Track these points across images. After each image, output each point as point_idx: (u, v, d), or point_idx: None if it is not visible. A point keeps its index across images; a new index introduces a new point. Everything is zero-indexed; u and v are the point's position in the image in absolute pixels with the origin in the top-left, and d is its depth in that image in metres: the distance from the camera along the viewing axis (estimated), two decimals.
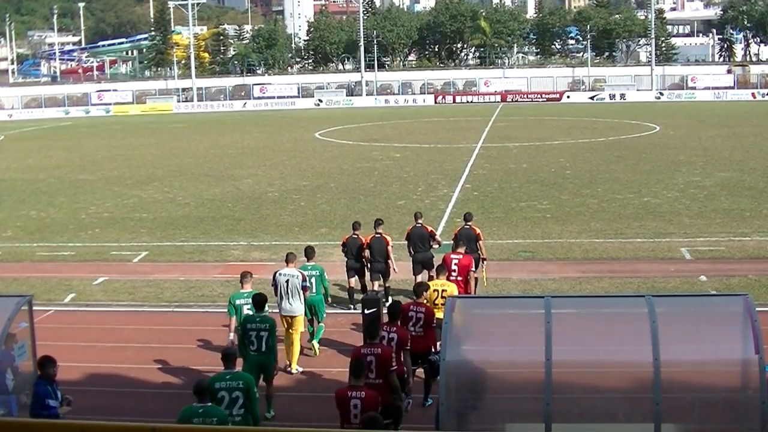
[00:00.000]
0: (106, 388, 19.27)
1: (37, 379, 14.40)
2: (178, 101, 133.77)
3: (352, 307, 24.47)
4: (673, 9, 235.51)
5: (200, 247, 33.33)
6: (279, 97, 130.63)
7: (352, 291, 24.98)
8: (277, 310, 20.01)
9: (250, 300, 17.92)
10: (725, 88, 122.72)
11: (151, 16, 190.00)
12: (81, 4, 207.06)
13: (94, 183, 51.52)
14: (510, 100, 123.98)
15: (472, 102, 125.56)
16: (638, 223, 35.06)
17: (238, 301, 18.69)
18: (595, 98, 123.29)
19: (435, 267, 21.16)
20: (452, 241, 24.24)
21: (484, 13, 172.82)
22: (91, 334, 23.36)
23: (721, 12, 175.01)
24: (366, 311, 20.04)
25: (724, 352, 13.76)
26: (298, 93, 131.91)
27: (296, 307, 20.08)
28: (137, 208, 42.38)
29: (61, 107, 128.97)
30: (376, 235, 24.96)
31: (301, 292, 20.16)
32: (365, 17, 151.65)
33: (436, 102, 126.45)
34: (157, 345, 22.10)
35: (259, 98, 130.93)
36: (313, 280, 20.96)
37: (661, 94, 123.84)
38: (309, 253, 21.80)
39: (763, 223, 34.45)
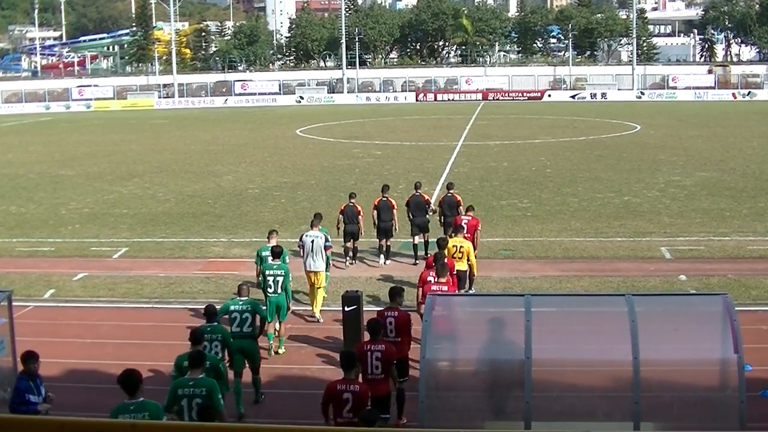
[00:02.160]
0: (86, 384, 19.22)
1: (19, 374, 14.36)
2: (159, 97, 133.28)
3: (347, 262, 29.00)
4: (655, 9, 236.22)
5: (180, 243, 33.27)
6: (260, 94, 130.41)
7: (347, 250, 29.09)
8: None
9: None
10: (706, 88, 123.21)
11: (133, 11, 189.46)
12: None
13: (74, 179, 51.36)
14: (491, 98, 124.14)
15: (453, 100, 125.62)
16: (618, 222, 35.16)
17: (264, 253, 22.19)
18: (576, 97, 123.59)
19: (452, 228, 25.02)
20: (438, 207, 29.74)
21: (466, 11, 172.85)
22: (70, 329, 23.30)
23: (703, 12, 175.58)
24: (346, 308, 20.12)
25: (703, 351, 13.81)
26: (280, 90, 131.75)
27: (318, 263, 23.53)
28: (117, 204, 42.27)
29: (41, 102, 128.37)
30: (383, 199, 29.42)
31: (324, 251, 23.69)
32: (347, 14, 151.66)
33: (417, 100, 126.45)
34: (137, 341, 22.04)
35: (240, 95, 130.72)
36: None
37: (642, 93, 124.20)
38: (317, 219, 25.14)
39: (743, 222, 34.61)
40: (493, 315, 15.12)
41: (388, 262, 29.36)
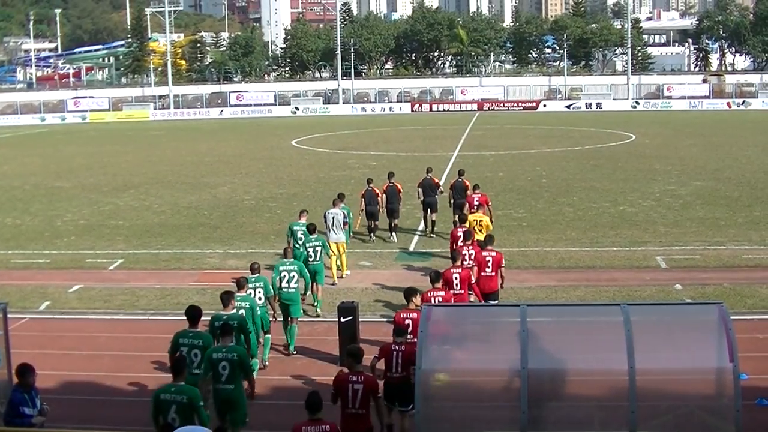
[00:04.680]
0: (81, 397, 19.18)
1: (14, 386, 14.30)
2: (155, 108, 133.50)
3: (370, 238, 34.56)
4: (650, 18, 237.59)
5: (176, 254, 33.24)
6: (256, 105, 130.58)
7: (369, 228, 34.65)
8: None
9: (304, 228, 26.46)
10: (701, 97, 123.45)
11: (128, 23, 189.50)
12: (57, 11, 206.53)
13: (69, 190, 51.35)
14: (486, 108, 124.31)
15: (448, 110, 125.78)
16: (614, 231, 35.17)
17: (295, 228, 27.24)
18: (571, 107, 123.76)
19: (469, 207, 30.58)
20: (450, 190, 34.73)
21: (461, 22, 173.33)
22: (65, 342, 23.25)
23: (697, 22, 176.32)
24: (342, 319, 20.18)
25: (699, 360, 13.80)
26: (275, 101, 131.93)
27: (340, 236, 28.76)
28: (113, 215, 42.25)
29: (37, 114, 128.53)
30: (390, 184, 35.03)
31: (342, 225, 28.83)
32: (342, 25, 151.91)
33: (412, 110, 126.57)
34: (133, 353, 22.00)
35: (235, 106, 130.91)
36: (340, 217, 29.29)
37: (637, 103, 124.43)
38: (339, 198, 30.39)
39: (738, 231, 34.62)
40: (489, 325, 15.12)
41: (395, 237, 34.50)
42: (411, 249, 33.22)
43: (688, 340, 14.03)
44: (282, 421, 17.83)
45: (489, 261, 22.22)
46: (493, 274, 22.25)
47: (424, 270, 29.08)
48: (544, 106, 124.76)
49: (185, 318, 16.60)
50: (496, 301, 22.03)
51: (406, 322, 17.08)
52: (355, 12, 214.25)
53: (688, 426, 13.61)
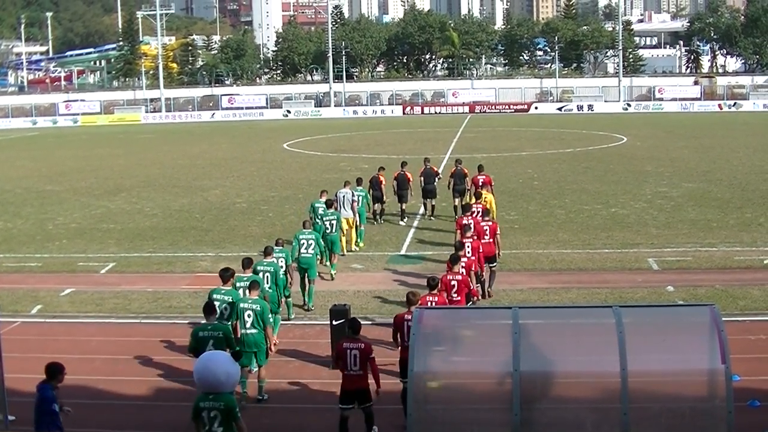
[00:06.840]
0: (73, 400, 18.99)
1: (43, 383, 14.17)
2: (146, 112, 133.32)
3: (375, 221, 38.24)
4: (641, 21, 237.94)
5: (168, 258, 33.20)
6: (247, 108, 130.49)
7: (375, 213, 38.44)
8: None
9: (324, 205, 30.54)
10: (692, 99, 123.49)
11: (120, 26, 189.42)
12: (49, 14, 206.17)
13: (61, 194, 51.28)
14: (478, 111, 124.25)
15: (440, 113, 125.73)
16: (606, 233, 35.19)
17: (316, 205, 31.39)
18: (562, 109, 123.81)
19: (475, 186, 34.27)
20: (450, 178, 38.58)
21: (452, 24, 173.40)
22: (57, 345, 23.16)
23: (688, 24, 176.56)
24: (334, 322, 20.16)
25: (690, 362, 13.80)
26: (267, 104, 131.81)
27: (348, 212, 32.93)
28: (105, 218, 42.19)
29: (28, 117, 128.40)
30: (401, 172, 38.78)
31: (350, 204, 33.21)
32: (334, 28, 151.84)
33: (404, 113, 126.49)
34: (125, 356, 21.96)
35: (227, 109, 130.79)
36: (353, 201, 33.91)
37: (629, 105, 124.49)
38: (351, 183, 35.08)
39: (730, 233, 34.65)
40: (481, 327, 15.12)
41: (404, 221, 38.49)
42: (403, 252, 33.24)
43: (680, 342, 14.03)
44: (275, 425, 17.84)
45: (486, 229, 26.40)
46: (491, 240, 26.28)
47: (415, 272, 29.15)
48: (536, 108, 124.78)
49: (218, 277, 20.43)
50: (495, 264, 26.68)
51: (452, 282, 20.31)
52: (346, 15, 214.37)
53: (681, 428, 13.60)
